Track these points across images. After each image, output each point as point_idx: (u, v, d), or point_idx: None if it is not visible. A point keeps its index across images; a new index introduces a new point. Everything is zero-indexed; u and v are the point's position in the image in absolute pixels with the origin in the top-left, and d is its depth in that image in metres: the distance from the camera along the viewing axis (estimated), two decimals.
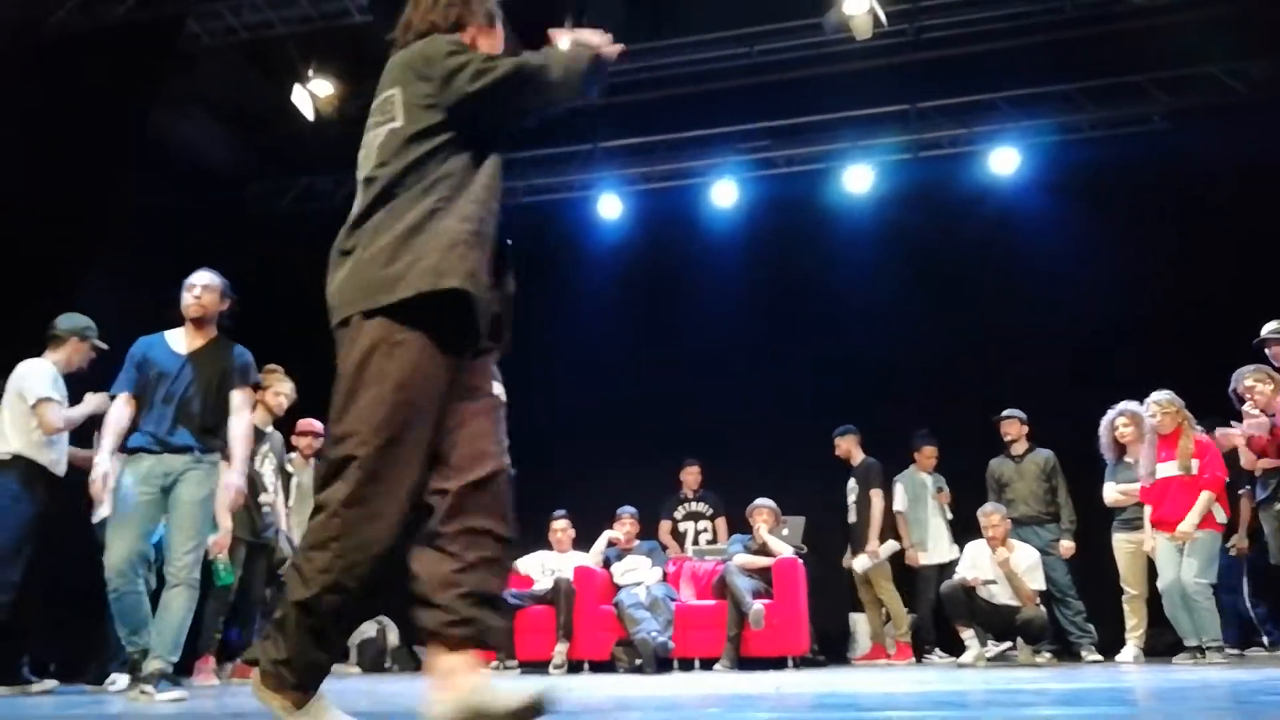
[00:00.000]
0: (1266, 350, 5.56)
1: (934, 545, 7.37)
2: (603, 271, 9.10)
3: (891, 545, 7.31)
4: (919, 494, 7.47)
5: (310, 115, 8.17)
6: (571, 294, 9.05)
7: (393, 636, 8.60)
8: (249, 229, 8.89)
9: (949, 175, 8.56)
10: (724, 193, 8.86)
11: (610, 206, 9.05)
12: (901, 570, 7.39)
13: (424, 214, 2.04)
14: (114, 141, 7.14)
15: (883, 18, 7.33)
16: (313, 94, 8.15)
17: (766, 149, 8.81)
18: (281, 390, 6.08)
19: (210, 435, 4.30)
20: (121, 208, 7.27)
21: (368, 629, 8.55)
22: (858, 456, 7.54)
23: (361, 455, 1.96)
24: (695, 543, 7.76)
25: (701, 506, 7.94)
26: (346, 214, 2.15)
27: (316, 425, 6.46)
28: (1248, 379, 5.70)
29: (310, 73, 8.07)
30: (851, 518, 7.46)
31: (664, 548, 7.61)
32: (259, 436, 5.63)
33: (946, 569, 7.10)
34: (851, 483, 7.52)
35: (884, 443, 7.59)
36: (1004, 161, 8.39)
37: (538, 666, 6.71)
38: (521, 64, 2.15)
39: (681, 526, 7.94)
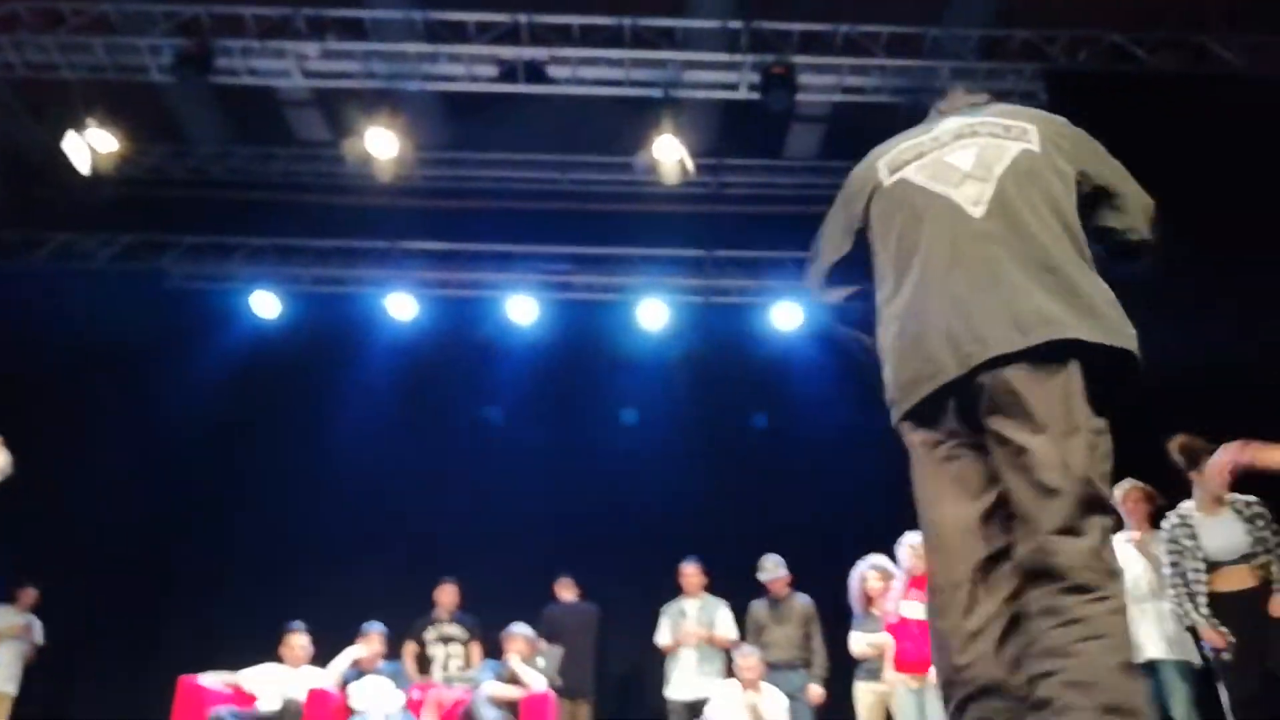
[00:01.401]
0: None
1: (678, 677, 7.09)
2: (379, 373, 8.79)
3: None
4: (678, 623, 7.29)
5: (85, 168, 7.57)
6: (342, 392, 8.68)
7: None
8: None
9: (736, 323, 8.97)
10: (520, 309, 8.85)
11: (402, 307, 8.82)
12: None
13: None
14: None
15: (690, 167, 7.73)
16: (91, 147, 7.57)
17: (567, 273, 8.95)
18: None
19: None
20: None
21: None
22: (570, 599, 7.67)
23: None
24: (445, 668, 7.32)
25: (455, 630, 7.52)
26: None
27: None
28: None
29: (91, 123, 7.51)
30: None
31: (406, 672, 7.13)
32: None
33: (695, 706, 6.97)
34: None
35: (647, 580, 7.57)
36: (786, 317, 8.89)
37: None
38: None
39: (431, 650, 7.45)
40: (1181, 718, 5.02)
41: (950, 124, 2.17)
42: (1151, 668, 5.16)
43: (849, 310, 2.27)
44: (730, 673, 6.78)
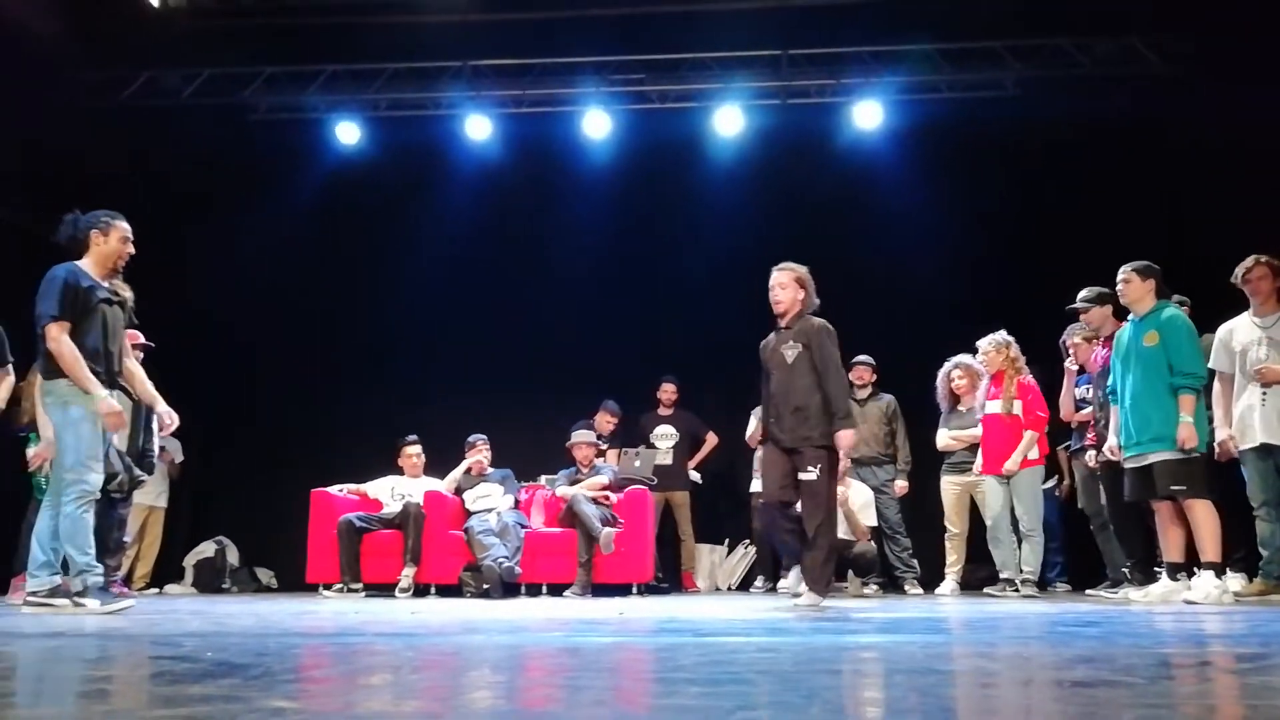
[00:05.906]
0: (1080, 316, 6.03)
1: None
2: (467, 195, 8.89)
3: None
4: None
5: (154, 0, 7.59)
6: (436, 215, 8.86)
7: (232, 556, 8.37)
8: (80, 123, 8.18)
9: (815, 123, 8.71)
10: (596, 123, 8.75)
11: (478, 127, 8.80)
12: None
13: None
14: None
15: None
16: None
17: (641, 83, 8.74)
18: None
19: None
20: None
21: (205, 548, 8.29)
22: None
23: None
24: None
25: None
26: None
27: (139, 336, 5.94)
28: (1076, 335, 6.22)
29: None
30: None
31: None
32: None
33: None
34: (669, 428, 7.97)
35: (736, 384, 7.80)
36: (868, 115, 8.59)
37: (384, 589, 6.68)
38: None
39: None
40: None
41: None
42: (1267, 450, 5.22)
43: None
44: None
